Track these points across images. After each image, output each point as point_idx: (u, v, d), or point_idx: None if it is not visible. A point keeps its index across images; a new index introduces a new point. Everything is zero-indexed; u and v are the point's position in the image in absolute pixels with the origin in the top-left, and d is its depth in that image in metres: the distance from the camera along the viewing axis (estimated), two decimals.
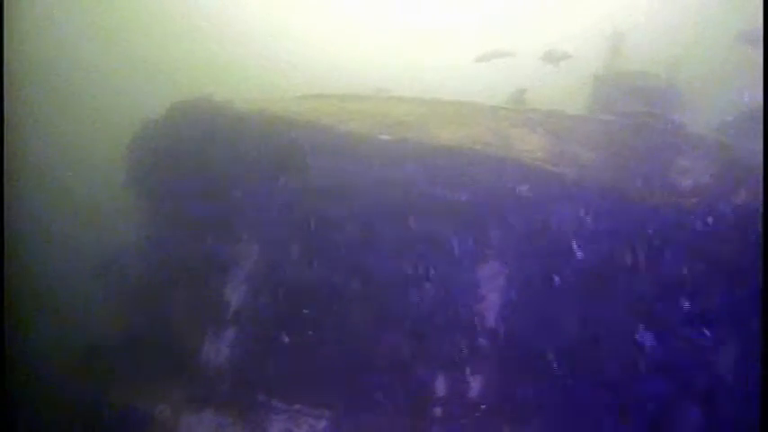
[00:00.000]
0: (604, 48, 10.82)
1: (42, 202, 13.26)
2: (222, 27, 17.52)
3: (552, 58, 10.23)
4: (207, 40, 16.97)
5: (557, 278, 7.74)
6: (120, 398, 8.51)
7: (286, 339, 8.02)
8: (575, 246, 7.80)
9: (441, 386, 7.63)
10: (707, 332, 7.66)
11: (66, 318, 10.94)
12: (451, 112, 8.96)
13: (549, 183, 7.84)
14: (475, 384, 7.63)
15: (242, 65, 15.58)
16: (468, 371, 7.62)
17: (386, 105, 9.00)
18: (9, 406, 9.34)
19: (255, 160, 8.14)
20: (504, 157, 7.97)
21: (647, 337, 7.66)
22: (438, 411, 7.63)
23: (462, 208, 7.72)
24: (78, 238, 12.52)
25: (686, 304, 7.64)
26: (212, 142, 8.40)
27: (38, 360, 10.52)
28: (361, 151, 7.72)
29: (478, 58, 11.17)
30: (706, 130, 9.85)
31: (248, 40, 17.27)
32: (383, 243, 7.75)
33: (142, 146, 8.92)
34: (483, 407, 7.63)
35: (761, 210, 7.19)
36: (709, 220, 7.77)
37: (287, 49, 16.97)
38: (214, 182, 8.36)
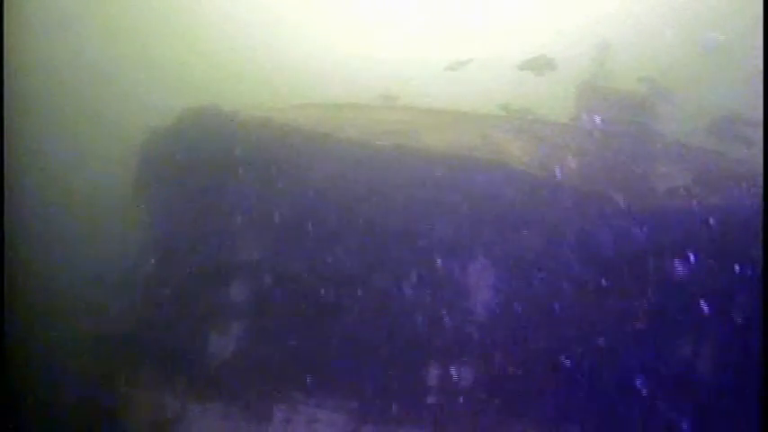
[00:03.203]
0: (589, 56, 11.19)
1: (46, 206, 13.49)
2: (228, 33, 17.65)
3: (536, 66, 10.57)
4: (213, 46, 17.10)
5: (543, 277, 8.25)
6: (128, 390, 9.01)
7: (287, 335, 8.48)
8: (560, 246, 8.31)
9: (435, 377, 8.15)
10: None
11: (73, 314, 11.20)
12: (443, 119, 9.47)
13: (535, 187, 8.34)
14: (467, 376, 8.14)
15: (248, 71, 15.77)
16: (460, 362, 8.13)
17: (381, 113, 9.52)
18: (10, 405, 9.71)
19: (259, 167, 8.58)
20: (493, 162, 8.49)
21: (634, 336, 8.12)
22: (432, 401, 8.14)
23: (454, 210, 8.24)
24: (85, 240, 12.78)
25: (670, 301, 8.08)
26: (218, 150, 8.82)
27: (41, 357, 10.88)
28: (358, 157, 8.20)
29: (448, 67, 11.50)
30: (685, 137, 10.28)
31: (254, 46, 17.43)
32: (379, 243, 8.24)
33: (151, 152, 9.32)
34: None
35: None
36: (688, 221, 8.20)
37: (292, 56, 17.24)
38: (219, 188, 8.82)
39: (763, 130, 8.12)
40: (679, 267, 8.11)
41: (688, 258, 8.08)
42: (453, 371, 8.20)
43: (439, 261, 8.21)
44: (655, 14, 14.52)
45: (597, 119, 9.81)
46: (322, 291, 8.33)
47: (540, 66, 10.55)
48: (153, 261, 9.34)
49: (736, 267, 7.87)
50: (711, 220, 8.14)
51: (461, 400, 8.15)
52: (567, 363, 8.08)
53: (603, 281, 8.17)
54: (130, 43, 16.63)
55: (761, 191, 7.85)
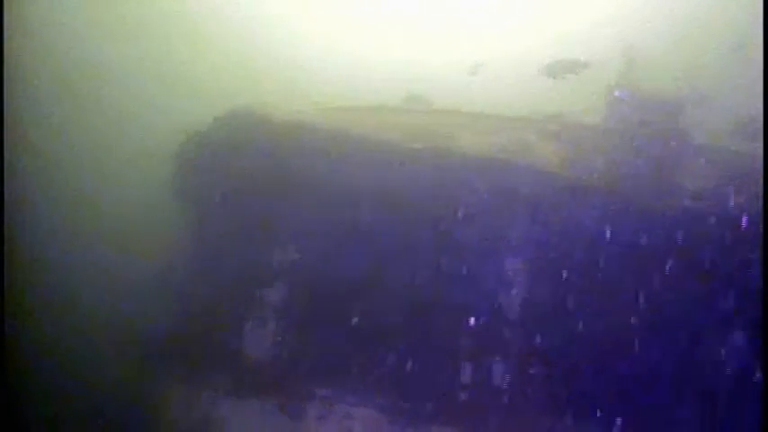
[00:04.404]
0: (617, 58, 11.25)
1: (76, 209, 13.63)
2: (254, 38, 17.73)
3: (563, 68, 10.62)
4: (241, 50, 17.16)
5: (572, 276, 8.38)
6: (168, 387, 9.22)
7: (321, 334, 8.69)
8: (590, 245, 8.43)
9: (468, 375, 8.31)
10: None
11: (110, 317, 11.33)
12: (474, 122, 9.63)
13: (565, 187, 8.49)
14: (500, 373, 8.28)
15: (274, 75, 15.85)
16: (493, 360, 8.29)
17: (416, 116, 9.69)
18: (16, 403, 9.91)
19: (294, 170, 8.78)
20: (524, 163, 8.65)
21: (655, 334, 8.23)
22: (465, 398, 8.30)
23: (486, 210, 8.39)
24: (113, 243, 12.88)
25: (695, 302, 8.20)
26: (252, 153, 9.02)
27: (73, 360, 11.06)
28: (393, 159, 8.39)
29: (470, 70, 11.43)
30: (713, 138, 10.33)
31: (280, 51, 17.53)
32: (414, 243, 8.43)
33: (184, 156, 9.48)
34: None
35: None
36: (713, 220, 8.31)
37: (314, 60, 17.36)
38: (253, 190, 9.01)
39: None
40: (708, 267, 8.22)
41: (717, 258, 8.19)
42: (486, 369, 8.36)
43: (473, 261, 8.37)
44: (681, 16, 14.53)
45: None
46: (357, 291, 8.51)
47: (566, 68, 10.63)
48: (187, 262, 9.54)
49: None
50: (741, 221, 8.24)
51: (494, 397, 8.30)
52: (598, 362, 8.21)
53: (635, 281, 8.28)
54: (160, 47, 16.71)
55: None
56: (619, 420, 8.11)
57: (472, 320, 8.42)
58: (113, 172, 14.01)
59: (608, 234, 8.41)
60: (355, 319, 8.57)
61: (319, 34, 18.52)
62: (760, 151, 10.15)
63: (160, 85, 15.99)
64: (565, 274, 8.39)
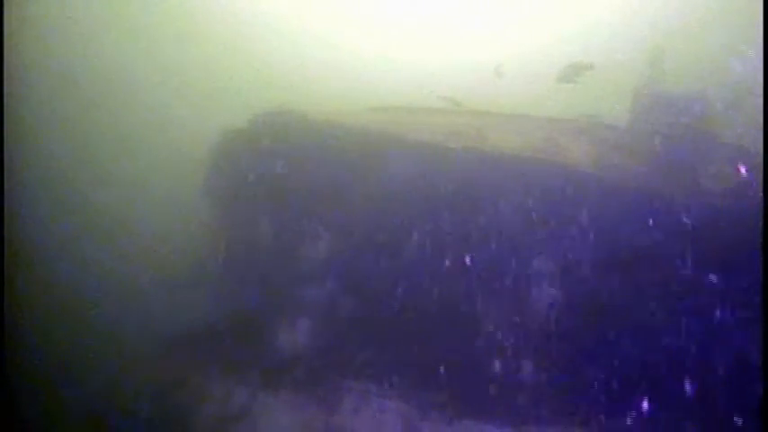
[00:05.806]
0: (644, 59, 11.34)
1: (108, 207, 13.87)
2: (288, 36, 17.84)
3: (579, 70, 10.70)
4: (273, 49, 17.29)
5: (601, 273, 8.52)
6: (201, 381, 9.43)
7: (356, 326, 8.88)
8: (618, 243, 8.58)
9: (502, 371, 8.45)
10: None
11: (150, 314, 11.48)
12: (506, 122, 9.81)
13: (594, 186, 8.61)
14: (531, 370, 8.46)
15: (312, 75, 16.01)
16: (525, 357, 8.46)
17: (447, 117, 9.87)
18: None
19: (331, 169, 8.98)
20: (555, 163, 8.79)
21: (683, 332, 8.31)
22: (498, 393, 8.46)
23: (518, 209, 8.57)
24: (136, 243, 13.08)
25: (725, 301, 8.26)
26: (290, 153, 9.23)
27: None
28: (430, 159, 8.57)
29: (496, 71, 11.56)
30: (739, 138, 10.40)
31: (317, 50, 17.66)
32: (449, 241, 8.60)
33: (224, 156, 9.63)
34: None
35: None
36: (735, 219, 8.38)
37: (353, 60, 17.52)
38: (291, 190, 9.24)
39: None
40: (737, 268, 8.33)
41: (745, 258, 8.30)
42: (519, 366, 8.52)
43: (506, 260, 8.53)
44: (707, 17, 14.55)
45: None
46: (394, 288, 8.70)
47: (592, 68, 10.73)
48: (222, 259, 9.74)
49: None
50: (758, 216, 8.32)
51: (526, 394, 8.45)
52: (624, 361, 8.36)
53: (664, 280, 8.42)
54: (197, 45, 16.82)
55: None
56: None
57: (508, 319, 8.55)
58: (137, 172, 14.20)
59: (639, 233, 8.54)
60: (390, 316, 8.75)
61: (350, 37, 18.70)
62: None
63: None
64: (593, 271, 8.52)
